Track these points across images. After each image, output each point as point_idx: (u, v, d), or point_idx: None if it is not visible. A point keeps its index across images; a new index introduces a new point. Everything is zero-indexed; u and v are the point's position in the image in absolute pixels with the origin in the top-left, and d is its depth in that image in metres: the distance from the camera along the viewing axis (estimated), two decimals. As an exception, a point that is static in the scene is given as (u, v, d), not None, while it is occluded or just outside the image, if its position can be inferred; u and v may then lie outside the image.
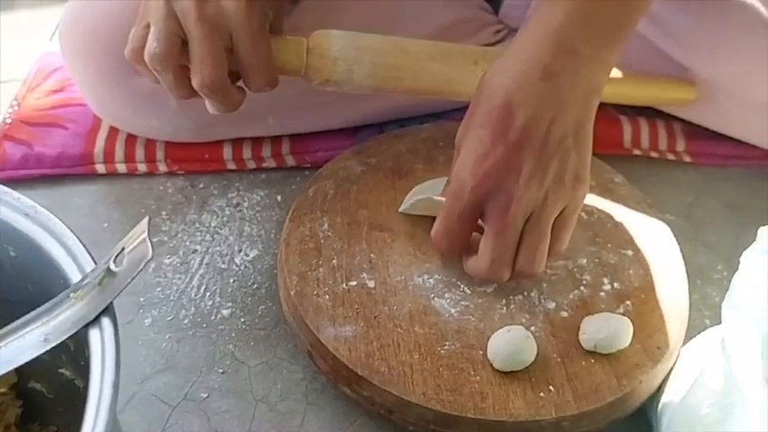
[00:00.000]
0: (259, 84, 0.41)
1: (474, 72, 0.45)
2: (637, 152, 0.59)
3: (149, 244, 0.24)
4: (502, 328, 0.39)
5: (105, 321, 0.25)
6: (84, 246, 0.27)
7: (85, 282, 0.25)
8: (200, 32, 0.38)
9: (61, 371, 0.32)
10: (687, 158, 0.59)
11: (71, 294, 0.25)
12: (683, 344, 0.43)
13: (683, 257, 0.47)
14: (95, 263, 0.26)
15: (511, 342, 0.38)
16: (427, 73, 0.46)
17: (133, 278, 0.24)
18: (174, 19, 0.38)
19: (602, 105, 0.51)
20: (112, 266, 0.25)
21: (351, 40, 0.44)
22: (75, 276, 0.26)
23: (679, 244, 0.47)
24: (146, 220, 0.24)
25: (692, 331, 0.43)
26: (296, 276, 0.43)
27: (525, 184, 0.36)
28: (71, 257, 0.27)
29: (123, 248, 0.25)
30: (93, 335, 0.25)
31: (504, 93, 0.36)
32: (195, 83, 0.39)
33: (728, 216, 0.55)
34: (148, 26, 0.39)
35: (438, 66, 0.45)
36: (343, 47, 0.43)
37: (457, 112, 0.61)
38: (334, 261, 0.44)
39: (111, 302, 0.25)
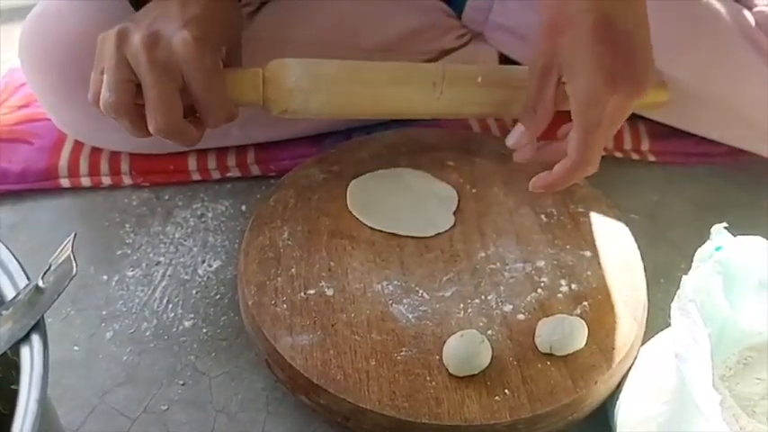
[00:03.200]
0: (216, 121, 0.42)
1: (432, 93, 0.45)
2: (602, 153, 0.59)
3: (73, 261, 0.24)
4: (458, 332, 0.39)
5: (35, 338, 0.25)
6: (19, 262, 0.27)
7: (17, 299, 0.25)
8: (151, 78, 0.38)
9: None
10: (652, 158, 0.59)
11: (2, 312, 0.25)
12: (643, 343, 0.43)
13: (647, 256, 0.47)
14: (29, 280, 0.26)
15: (465, 346, 0.38)
16: (386, 97, 0.46)
17: (59, 294, 0.24)
18: (126, 65, 0.39)
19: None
20: (40, 283, 0.25)
21: (307, 69, 0.44)
22: (10, 293, 0.26)
23: (643, 243, 0.48)
24: (70, 237, 0.25)
25: (654, 330, 0.43)
26: (254, 286, 0.43)
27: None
28: (6, 275, 0.27)
29: (50, 265, 0.25)
30: (24, 352, 0.25)
31: (599, 10, 0.38)
32: (150, 127, 0.40)
33: (693, 214, 0.55)
34: (104, 71, 0.40)
35: (396, 89, 0.46)
36: (299, 77, 0.43)
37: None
38: (293, 270, 0.44)
39: (42, 319, 0.25)
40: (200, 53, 0.39)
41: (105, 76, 0.39)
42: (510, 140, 0.44)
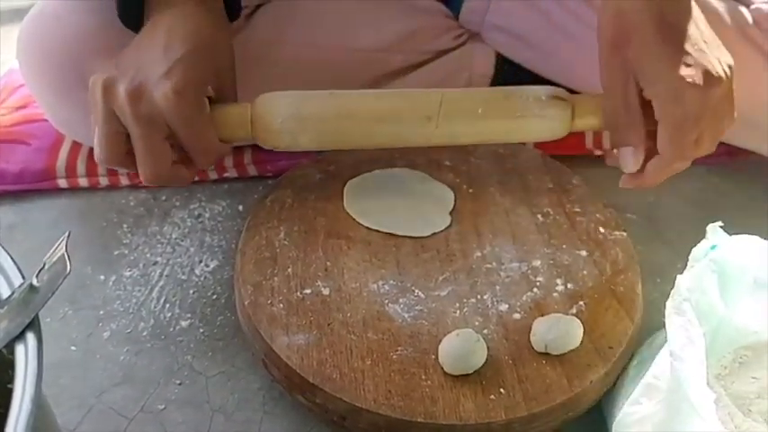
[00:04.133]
0: (207, 162, 0.43)
1: (427, 126, 0.44)
2: (598, 152, 0.60)
3: (67, 259, 0.24)
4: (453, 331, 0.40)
5: (30, 336, 0.25)
6: (14, 261, 0.27)
7: (12, 297, 0.25)
8: (137, 130, 0.39)
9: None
10: (649, 157, 0.59)
11: (-3, 310, 0.25)
12: (640, 343, 0.43)
13: (644, 256, 0.47)
14: (24, 278, 0.26)
15: (460, 346, 0.38)
16: (376, 134, 0.45)
17: (53, 292, 0.24)
18: (114, 118, 0.40)
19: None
20: (35, 282, 0.25)
21: (293, 109, 0.43)
22: (5, 292, 0.27)
23: (640, 242, 0.48)
24: (64, 236, 0.25)
25: (651, 330, 0.43)
26: (251, 286, 0.43)
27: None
28: (2, 274, 0.27)
29: (45, 264, 0.25)
30: (19, 350, 0.25)
31: (656, 13, 0.40)
32: (141, 177, 0.41)
33: (689, 214, 0.55)
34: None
35: (387, 126, 0.44)
36: (286, 118, 0.43)
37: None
38: (290, 270, 0.44)
39: (37, 317, 0.25)
40: (181, 106, 0.39)
41: (96, 131, 0.41)
42: (630, 167, 0.44)
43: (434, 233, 0.47)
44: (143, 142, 0.39)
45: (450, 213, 0.48)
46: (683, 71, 0.40)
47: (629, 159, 0.44)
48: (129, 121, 0.39)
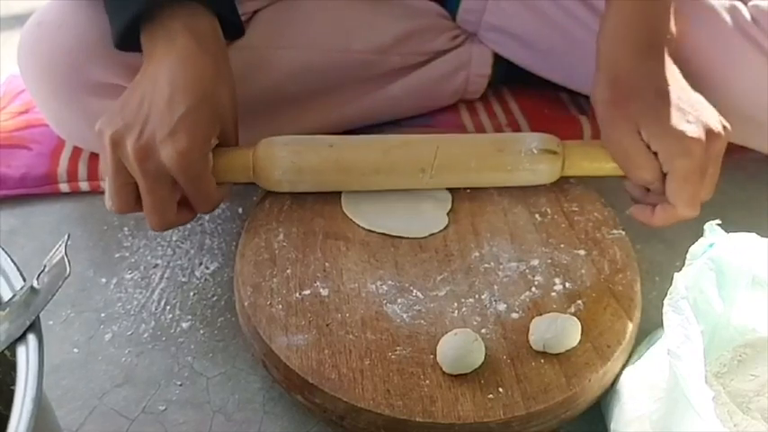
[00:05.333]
0: (207, 210, 0.45)
1: (420, 177, 0.47)
2: (597, 152, 0.60)
3: (67, 262, 0.24)
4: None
5: (31, 338, 0.25)
6: (15, 264, 0.27)
7: (13, 299, 0.26)
8: (145, 184, 0.41)
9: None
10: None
11: (-1, 313, 0.25)
12: (638, 341, 0.43)
13: (642, 255, 0.47)
14: (25, 281, 0.27)
15: (458, 345, 0.38)
16: (372, 183, 0.48)
17: (54, 294, 0.25)
18: (123, 170, 0.42)
19: (562, 105, 0.59)
20: (35, 284, 0.25)
21: (293, 162, 0.46)
22: (6, 294, 0.27)
23: (638, 241, 0.48)
24: (64, 238, 0.25)
25: (650, 328, 0.43)
26: (250, 287, 0.43)
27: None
28: (3, 277, 0.27)
29: (45, 266, 0.25)
30: (20, 352, 0.25)
31: (653, 78, 0.45)
32: (149, 224, 0.43)
33: (688, 212, 0.55)
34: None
35: (383, 177, 0.47)
36: (286, 170, 0.46)
37: (419, 118, 0.62)
38: (289, 271, 0.44)
39: (37, 319, 0.25)
40: (186, 165, 0.41)
41: (107, 182, 0.42)
42: (658, 222, 0.46)
43: (432, 234, 0.47)
44: (151, 197, 0.42)
45: (448, 214, 0.48)
46: (687, 127, 0.43)
47: (644, 211, 0.46)
48: (138, 175, 0.41)
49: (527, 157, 0.47)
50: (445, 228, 0.47)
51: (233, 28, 0.47)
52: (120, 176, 0.41)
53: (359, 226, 0.47)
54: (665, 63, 0.46)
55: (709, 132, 0.43)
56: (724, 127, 0.44)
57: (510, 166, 0.47)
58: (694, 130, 0.43)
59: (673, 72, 0.46)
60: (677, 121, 0.43)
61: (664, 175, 0.44)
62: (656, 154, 0.43)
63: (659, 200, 0.45)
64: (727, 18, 0.54)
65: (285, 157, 0.46)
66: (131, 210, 0.43)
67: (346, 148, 0.47)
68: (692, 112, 0.44)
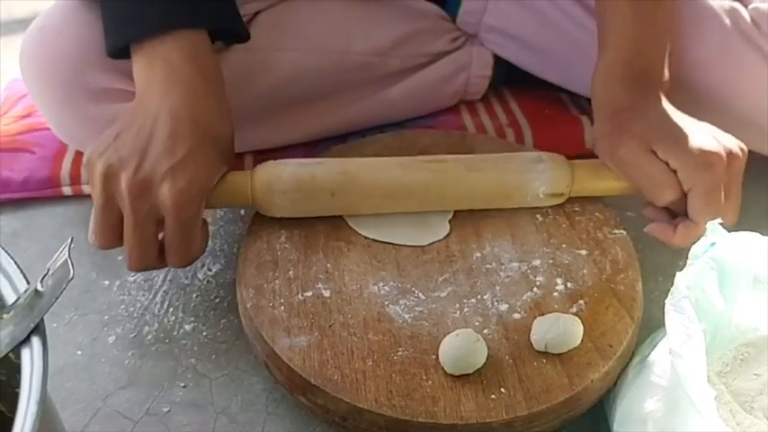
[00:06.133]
0: (179, 264, 0.42)
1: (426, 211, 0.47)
2: (598, 152, 0.60)
3: (70, 265, 0.24)
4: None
5: (35, 340, 0.25)
6: (18, 267, 0.27)
7: (17, 302, 0.26)
8: (132, 221, 0.39)
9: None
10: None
11: (3, 315, 0.26)
12: (640, 341, 0.43)
13: (644, 254, 0.47)
14: (28, 284, 0.27)
15: (460, 346, 0.38)
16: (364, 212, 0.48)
17: (58, 297, 0.25)
18: (113, 207, 0.39)
19: (563, 105, 0.59)
20: (39, 287, 0.25)
21: (292, 207, 0.45)
22: (10, 297, 0.27)
23: (640, 241, 0.48)
24: (67, 241, 0.25)
25: (652, 328, 0.43)
26: (252, 289, 0.43)
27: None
28: (7, 280, 0.27)
29: (49, 269, 0.25)
30: (25, 354, 0.25)
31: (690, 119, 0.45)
32: (127, 263, 0.41)
33: (689, 212, 0.55)
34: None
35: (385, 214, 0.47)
36: (285, 209, 0.45)
37: (419, 120, 0.62)
38: (291, 272, 0.44)
39: (42, 321, 0.26)
40: (182, 204, 0.39)
41: (93, 216, 0.41)
42: (679, 242, 0.45)
43: (433, 242, 0.47)
44: (137, 235, 0.40)
45: (450, 221, 0.48)
46: (706, 141, 0.42)
47: (662, 229, 0.45)
48: (128, 211, 0.39)
49: (534, 199, 0.47)
50: (446, 236, 0.47)
51: (237, 37, 0.47)
52: (109, 211, 0.39)
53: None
54: (660, 97, 0.46)
55: (728, 150, 0.42)
56: (741, 148, 0.44)
57: (516, 206, 0.48)
58: (713, 145, 0.42)
59: (670, 105, 0.45)
60: (693, 136, 0.42)
61: (684, 194, 0.43)
62: (674, 172, 0.42)
63: (680, 219, 0.44)
64: (727, 21, 0.54)
65: (284, 206, 0.45)
66: (114, 246, 0.41)
67: (348, 198, 0.46)
68: (706, 130, 0.43)
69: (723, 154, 0.42)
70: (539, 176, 0.47)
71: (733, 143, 0.43)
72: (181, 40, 0.41)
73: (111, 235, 0.40)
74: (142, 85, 0.42)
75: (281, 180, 0.45)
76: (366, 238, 0.47)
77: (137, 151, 0.39)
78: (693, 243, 0.43)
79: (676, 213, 0.45)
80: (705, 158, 0.41)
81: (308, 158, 0.47)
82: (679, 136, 0.42)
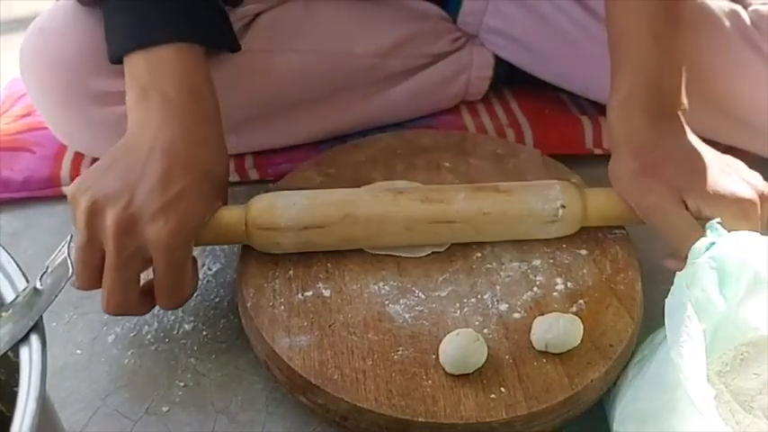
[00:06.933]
0: (169, 306, 0.41)
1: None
2: (598, 152, 0.60)
3: (69, 263, 0.24)
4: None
5: (34, 338, 0.25)
6: (18, 265, 0.27)
7: (16, 301, 0.26)
8: (115, 260, 0.37)
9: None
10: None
11: (2, 314, 0.26)
12: (640, 340, 0.43)
13: (644, 254, 0.47)
14: (27, 282, 0.27)
15: (460, 345, 0.38)
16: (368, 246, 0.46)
17: (56, 295, 0.25)
18: (96, 246, 0.37)
19: (563, 105, 0.59)
20: (38, 285, 0.25)
21: (288, 234, 0.43)
22: (9, 295, 0.27)
23: (640, 240, 0.48)
24: (66, 240, 0.25)
25: (652, 328, 0.43)
26: (252, 289, 0.43)
27: None
28: (6, 278, 0.27)
29: (47, 268, 0.25)
30: (23, 352, 0.25)
31: (712, 158, 0.43)
32: (103, 305, 0.39)
33: (689, 212, 0.55)
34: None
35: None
36: (282, 246, 0.43)
37: (419, 120, 0.62)
38: (291, 272, 0.44)
39: (40, 320, 0.26)
40: (173, 245, 0.37)
41: (75, 252, 0.38)
42: None
43: (433, 253, 0.46)
44: (118, 275, 0.37)
45: None
46: (738, 188, 0.41)
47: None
48: (111, 249, 0.37)
49: (543, 241, 0.46)
50: (447, 248, 0.46)
51: (228, 46, 0.46)
52: (92, 250, 0.37)
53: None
54: (683, 125, 0.43)
55: (761, 193, 0.41)
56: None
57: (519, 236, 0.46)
58: (746, 191, 0.41)
59: (692, 134, 0.43)
60: (725, 183, 0.41)
61: None
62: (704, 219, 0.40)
63: None
64: (728, 22, 0.54)
65: (280, 230, 0.42)
66: (96, 287, 0.38)
67: (346, 236, 0.44)
68: (734, 172, 0.42)
69: (757, 200, 0.41)
70: (550, 231, 0.45)
71: (763, 184, 0.42)
72: (179, 59, 0.40)
73: (93, 275, 0.38)
74: (135, 118, 0.40)
75: (280, 246, 0.43)
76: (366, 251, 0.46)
77: (126, 187, 0.37)
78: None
79: None
80: (741, 208, 0.40)
81: (306, 204, 0.43)
82: (711, 184, 0.40)
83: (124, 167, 0.38)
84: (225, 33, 0.46)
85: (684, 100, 0.45)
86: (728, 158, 0.43)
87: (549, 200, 0.44)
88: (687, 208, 0.41)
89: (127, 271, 0.38)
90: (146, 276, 0.40)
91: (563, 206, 0.44)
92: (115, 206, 0.37)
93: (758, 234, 0.40)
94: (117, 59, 0.43)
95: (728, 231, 0.39)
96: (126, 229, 0.37)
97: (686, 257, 0.41)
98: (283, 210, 0.43)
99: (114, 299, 0.38)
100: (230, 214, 0.43)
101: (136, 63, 0.41)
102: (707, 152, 0.43)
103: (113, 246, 0.37)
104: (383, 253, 0.46)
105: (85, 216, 0.37)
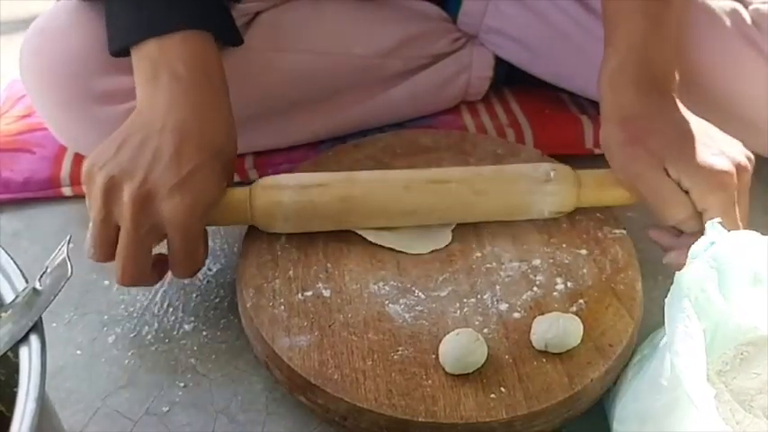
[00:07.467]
0: (184, 276, 0.42)
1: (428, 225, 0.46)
2: (598, 151, 0.60)
3: (68, 263, 0.24)
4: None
5: (33, 338, 0.25)
6: (17, 266, 0.27)
7: (16, 301, 0.26)
8: (131, 235, 0.38)
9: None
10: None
11: (2, 314, 0.26)
12: (640, 340, 0.43)
13: (644, 254, 0.47)
14: (27, 282, 0.27)
15: (460, 345, 0.38)
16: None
17: (56, 295, 0.25)
18: (111, 221, 0.38)
19: (563, 105, 0.59)
20: (38, 285, 0.25)
21: (292, 224, 0.44)
22: (8, 296, 0.27)
23: (640, 241, 0.48)
24: (65, 240, 0.25)
25: (652, 327, 0.43)
26: (252, 289, 0.43)
27: None
28: (5, 279, 0.27)
29: (47, 268, 0.25)
30: (23, 352, 0.25)
31: (697, 130, 0.43)
32: (117, 277, 0.40)
33: (689, 211, 0.55)
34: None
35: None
36: (287, 230, 0.45)
37: (419, 120, 0.62)
38: (291, 272, 0.44)
39: (40, 320, 0.26)
40: (189, 221, 0.39)
41: (91, 230, 0.40)
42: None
43: (434, 251, 0.46)
44: (134, 249, 0.38)
45: (453, 231, 0.47)
46: (717, 161, 0.42)
47: (676, 255, 0.44)
48: (128, 225, 0.38)
49: (538, 215, 0.47)
50: (447, 245, 0.46)
51: (231, 38, 0.47)
52: (108, 225, 0.38)
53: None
54: (674, 100, 0.45)
55: (737, 164, 0.42)
56: (748, 158, 0.43)
57: (521, 219, 0.48)
58: (724, 163, 0.42)
59: (683, 108, 0.45)
60: (705, 155, 0.42)
61: (697, 215, 0.42)
62: (686, 191, 0.42)
63: (686, 237, 0.43)
64: (728, 21, 0.54)
65: (285, 229, 0.45)
66: (109, 260, 0.40)
67: (351, 220, 0.45)
68: (715, 145, 0.43)
69: (734, 171, 0.42)
70: (545, 198, 0.46)
71: (741, 155, 0.43)
72: (189, 42, 0.41)
73: (109, 250, 0.39)
74: (145, 98, 0.41)
75: (281, 206, 0.44)
76: (367, 240, 0.46)
77: (141, 164, 0.38)
78: None
79: (681, 231, 0.44)
80: (718, 179, 0.41)
81: (308, 175, 0.46)
82: (693, 156, 0.42)
83: (137, 145, 0.39)
84: (229, 26, 0.47)
85: (676, 75, 0.46)
86: (713, 131, 0.44)
87: (540, 168, 0.47)
88: (670, 177, 0.42)
89: (142, 246, 0.39)
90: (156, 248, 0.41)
91: (554, 170, 0.46)
92: (131, 183, 0.38)
93: (756, 233, 0.40)
94: (121, 50, 0.43)
95: (707, 200, 0.41)
96: (143, 205, 0.38)
97: (671, 227, 0.44)
98: (288, 178, 0.45)
99: (129, 272, 0.40)
100: (235, 197, 0.44)
101: (146, 47, 0.41)
102: (694, 125, 0.44)
103: (130, 222, 0.38)
104: (386, 245, 0.46)
105: (102, 192, 0.38)
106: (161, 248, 0.42)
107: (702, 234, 0.41)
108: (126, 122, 0.41)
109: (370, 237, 0.46)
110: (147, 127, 0.40)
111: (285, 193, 0.44)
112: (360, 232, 0.46)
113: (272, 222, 0.45)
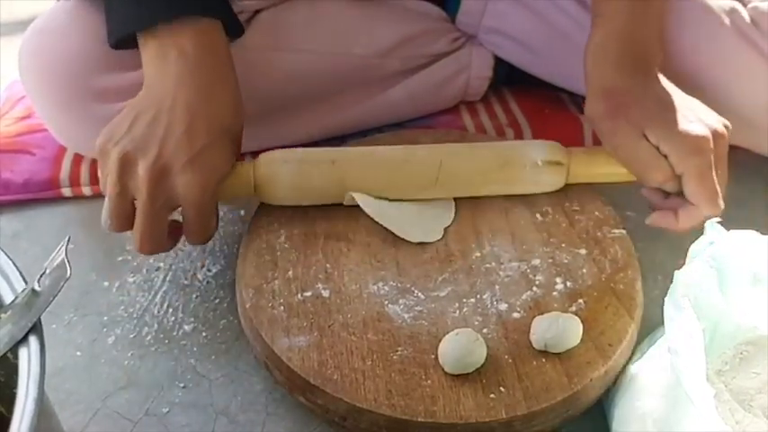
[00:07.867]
0: (202, 242, 0.45)
1: (424, 192, 0.48)
2: (597, 151, 0.60)
3: (67, 264, 0.25)
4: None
5: (32, 339, 0.25)
6: (16, 267, 0.27)
7: (15, 302, 0.26)
8: (148, 209, 0.40)
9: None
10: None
11: (1, 315, 0.26)
12: (640, 340, 0.43)
13: (644, 253, 0.47)
14: (26, 283, 0.27)
15: (460, 345, 0.38)
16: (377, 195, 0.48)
17: (55, 296, 0.25)
18: (128, 194, 0.40)
19: (563, 105, 0.59)
20: (37, 286, 0.25)
21: (295, 180, 0.46)
22: (8, 296, 0.27)
23: (640, 240, 0.48)
24: (64, 241, 0.25)
25: (652, 327, 0.43)
26: (252, 289, 0.43)
27: None
28: (5, 280, 0.27)
29: (46, 269, 0.25)
30: (22, 353, 0.25)
31: (677, 101, 0.45)
32: (135, 245, 0.42)
33: (689, 211, 0.55)
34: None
35: (386, 193, 0.48)
36: (288, 190, 0.47)
37: (418, 120, 0.62)
38: (290, 272, 0.44)
39: (39, 321, 0.26)
40: (202, 197, 0.41)
41: (106, 202, 0.41)
42: (683, 225, 0.45)
43: (423, 243, 0.46)
44: (150, 221, 0.40)
45: (446, 228, 0.48)
46: (693, 127, 0.43)
47: (661, 216, 0.46)
48: (144, 198, 0.40)
49: (532, 169, 0.48)
50: (437, 240, 0.47)
51: (233, 28, 0.47)
52: (124, 199, 0.40)
53: (360, 227, 0.47)
54: (656, 75, 0.46)
55: (714, 132, 0.43)
56: (725, 126, 0.44)
57: (514, 179, 0.48)
58: (701, 129, 0.43)
59: (665, 81, 0.46)
60: (682, 122, 0.43)
61: (677, 177, 0.44)
62: (665, 157, 0.43)
63: (679, 203, 0.45)
64: (727, 20, 0.54)
65: (286, 178, 0.46)
66: (125, 230, 0.42)
67: (348, 166, 0.47)
68: (692, 113, 0.44)
69: (710, 137, 0.43)
70: (534, 147, 0.48)
71: (718, 123, 0.44)
72: (199, 25, 0.42)
73: (126, 219, 0.41)
74: (154, 74, 0.42)
75: (281, 156, 0.47)
76: (366, 229, 0.46)
77: (154, 139, 0.40)
78: (696, 226, 0.43)
79: (669, 193, 0.46)
80: (695, 143, 0.43)
81: (311, 149, 0.49)
82: (670, 121, 0.43)
83: (149, 121, 0.41)
84: (230, 15, 0.47)
85: (660, 52, 0.48)
86: (693, 102, 0.46)
87: (533, 143, 0.50)
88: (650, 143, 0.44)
89: (158, 217, 0.41)
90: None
91: (546, 145, 0.49)
92: (146, 158, 0.39)
93: (756, 233, 0.40)
94: (123, 39, 0.43)
95: (685, 164, 0.43)
96: (158, 180, 0.39)
97: (655, 189, 0.46)
98: (283, 160, 0.47)
99: (147, 242, 0.42)
100: (241, 167, 0.46)
101: (152, 31, 0.42)
102: (675, 98, 0.45)
103: (147, 196, 0.40)
104: (384, 224, 0.46)
105: (117, 167, 0.39)
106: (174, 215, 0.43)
107: (681, 194, 0.44)
108: (135, 98, 0.42)
109: (369, 209, 0.46)
110: (158, 102, 0.41)
111: (285, 156, 0.47)
112: (359, 201, 0.46)
113: (273, 182, 0.46)
